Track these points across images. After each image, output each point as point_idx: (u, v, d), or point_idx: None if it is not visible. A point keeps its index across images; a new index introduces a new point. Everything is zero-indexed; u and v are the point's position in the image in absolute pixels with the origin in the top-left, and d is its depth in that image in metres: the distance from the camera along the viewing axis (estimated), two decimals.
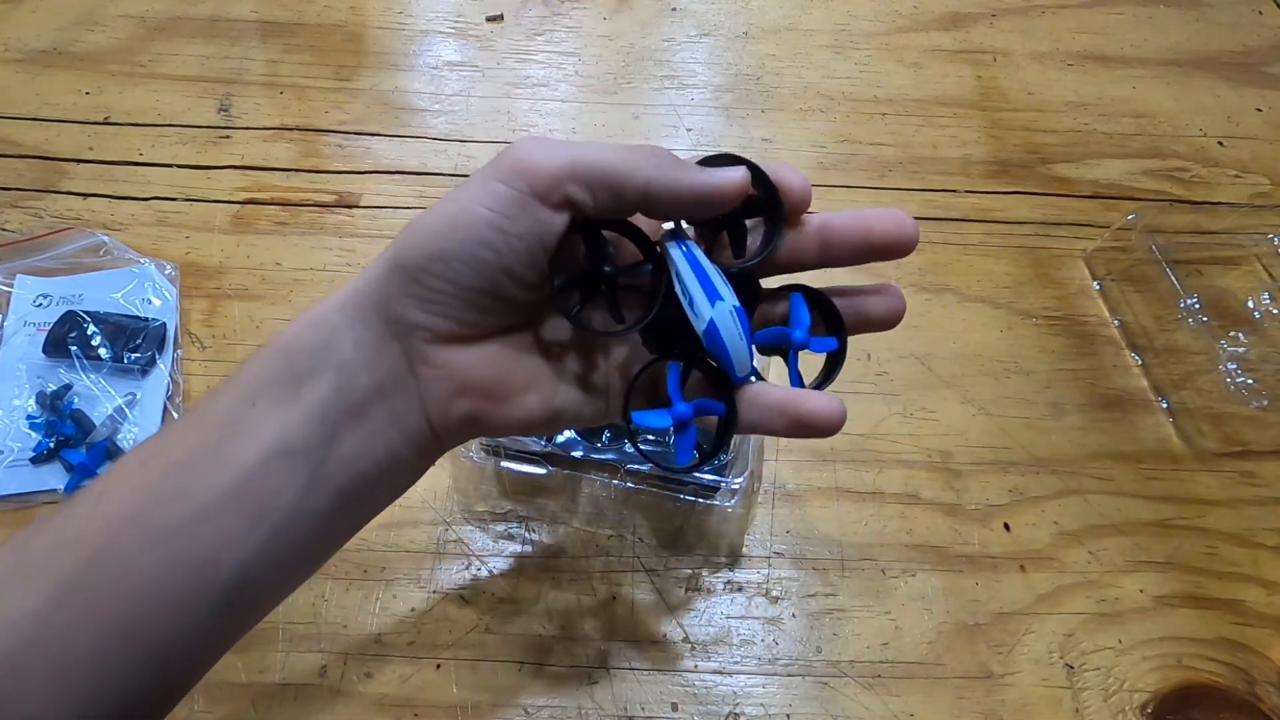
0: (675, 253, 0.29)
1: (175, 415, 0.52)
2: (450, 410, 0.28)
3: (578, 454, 0.46)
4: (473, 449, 0.46)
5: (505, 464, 0.47)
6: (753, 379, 0.29)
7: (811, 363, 0.31)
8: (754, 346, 0.29)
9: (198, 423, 0.27)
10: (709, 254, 0.29)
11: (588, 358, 0.31)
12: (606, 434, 0.47)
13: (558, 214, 0.26)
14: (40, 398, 0.51)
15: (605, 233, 0.29)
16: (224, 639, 0.28)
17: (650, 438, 0.47)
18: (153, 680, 0.26)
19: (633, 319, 0.29)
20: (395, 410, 0.28)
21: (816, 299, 0.31)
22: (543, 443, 0.46)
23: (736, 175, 0.29)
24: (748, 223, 0.30)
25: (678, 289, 0.28)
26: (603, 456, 0.45)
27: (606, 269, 0.28)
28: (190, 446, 0.26)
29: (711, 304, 0.28)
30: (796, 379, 0.30)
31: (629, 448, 0.46)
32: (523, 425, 0.30)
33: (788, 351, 0.30)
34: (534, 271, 0.27)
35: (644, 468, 0.45)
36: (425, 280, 0.26)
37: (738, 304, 0.28)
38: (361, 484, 0.28)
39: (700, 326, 0.28)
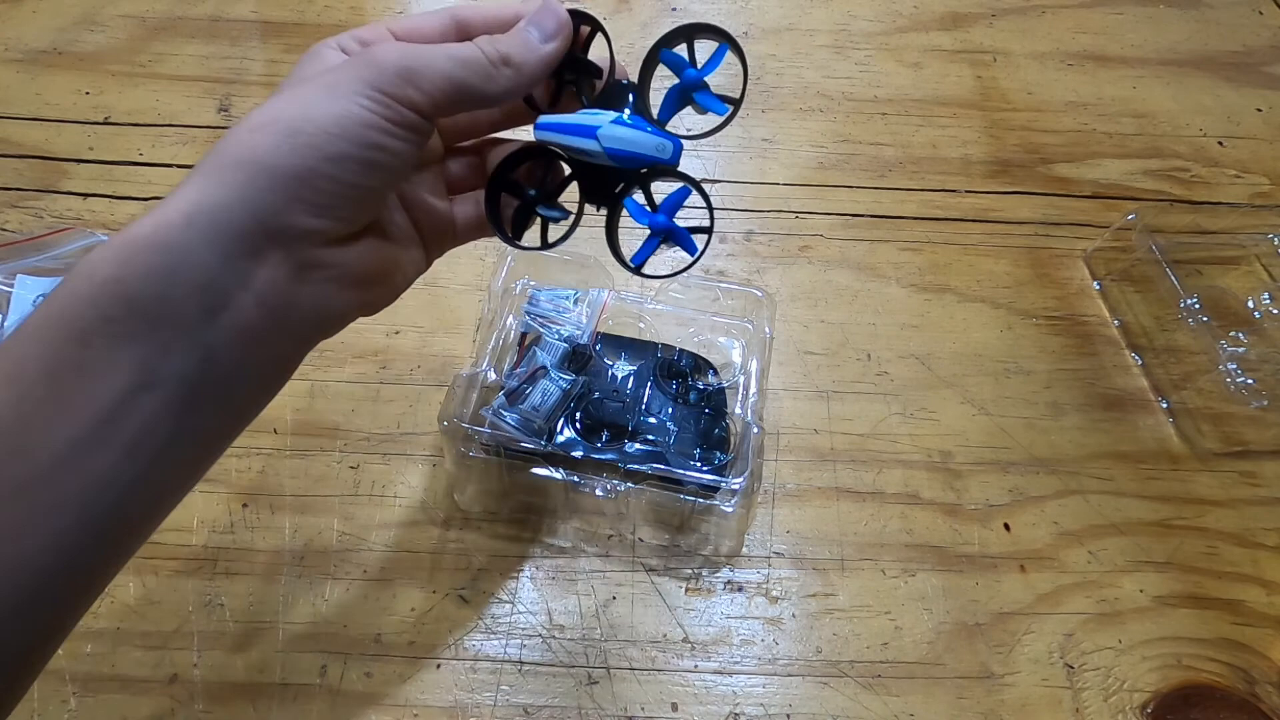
0: (544, 135, 0.32)
1: None
2: (341, 304, 0.29)
3: (577, 454, 0.46)
4: (473, 448, 0.46)
5: (505, 464, 0.47)
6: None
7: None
8: (664, 122, 0.33)
9: (7, 377, 0.23)
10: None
11: (432, 218, 0.34)
12: (605, 434, 0.47)
13: (424, 120, 0.28)
14: None
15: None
16: (108, 567, 0.26)
17: (650, 437, 0.47)
18: (26, 625, 0.24)
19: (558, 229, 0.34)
20: (281, 318, 0.27)
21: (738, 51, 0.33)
22: (542, 443, 0.46)
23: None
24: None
25: (577, 157, 0.32)
26: (602, 456, 0.46)
27: (531, 192, 0.33)
28: (10, 405, 0.23)
29: (593, 135, 0.31)
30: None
31: (629, 448, 0.46)
32: (394, 297, 0.33)
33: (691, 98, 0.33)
34: (411, 167, 0.29)
35: (644, 468, 0.45)
36: (319, 184, 0.26)
37: (618, 114, 0.32)
38: (249, 394, 0.28)
39: (602, 160, 0.32)
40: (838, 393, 0.55)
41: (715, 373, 0.50)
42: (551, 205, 0.34)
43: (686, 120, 0.33)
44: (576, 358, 0.49)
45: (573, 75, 0.33)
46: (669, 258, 0.34)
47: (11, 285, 0.56)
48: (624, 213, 0.34)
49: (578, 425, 0.47)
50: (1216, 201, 0.67)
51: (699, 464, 0.46)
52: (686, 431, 0.47)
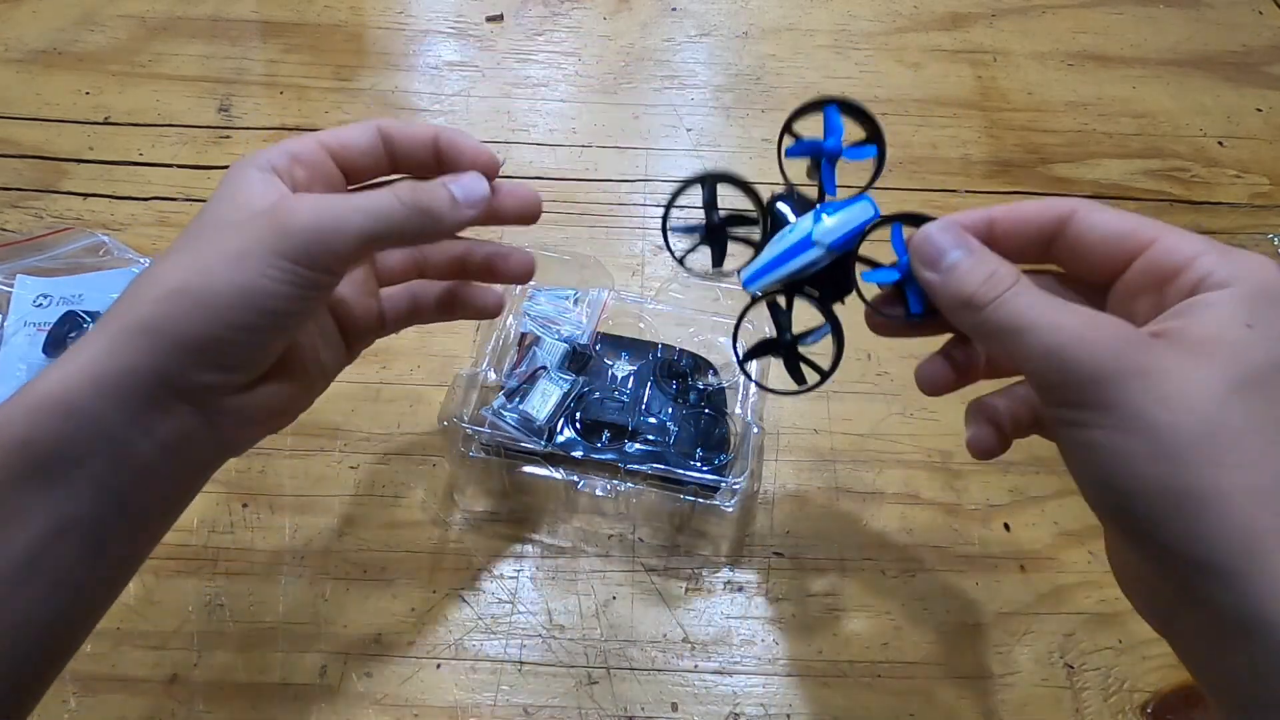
0: (762, 283, 0.33)
1: None
2: (249, 435, 0.31)
3: (577, 454, 0.46)
4: (473, 448, 0.46)
5: (505, 464, 0.47)
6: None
7: None
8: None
9: None
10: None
11: (356, 315, 0.35)
12: (605, 434, 0.47)
13: (326, 275, 0.29)
14: None
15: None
16: (34, 686, 0.28)
17: (650, 437, 0.47)
18: None
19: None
20: (190, 457, 0.29)
21: (850, 109, 0.33)
22: (542, 443, 0.46)
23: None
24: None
25: (802, 277, 0.33)
26: (602, 456, 0.46)
27: (787, 336, 0.33)
28: None
29: (810, 245, 0.32)
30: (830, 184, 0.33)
31: (629, 448, 0.46)
32: (308, 406, 0.34)
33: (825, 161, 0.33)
34: (317, 311, 0.30)
35: (644, 468, 0.45)
36: (224, 348, 0.27)
37: (811, 213, 0.32)
38: (160, 520, 0.30)
39: (827, 259, 0.32)
40: (838, 393, 0.55)
41: (715, 372, 0.50)
42: (806, 335, 0.34)
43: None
44: (576, 358, 0.49)
45: (735, 225, 0.34)
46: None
47: (11, 285, 0.56)
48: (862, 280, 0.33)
49: (578, 425, 0.47)
50: (1216, 201, 0.67)
51: (699, 464, 0.46)
52: (686, 431, 0.47)
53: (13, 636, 0.26)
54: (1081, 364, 0.24)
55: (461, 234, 0.34)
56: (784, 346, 0.33)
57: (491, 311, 0.41)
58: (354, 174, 0.33)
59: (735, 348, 0.35)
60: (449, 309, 0.40)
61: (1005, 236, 0.30)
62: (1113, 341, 0.24)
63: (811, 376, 0.34)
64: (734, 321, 0.35)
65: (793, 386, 0.34)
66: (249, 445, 0.32)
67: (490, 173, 0.33)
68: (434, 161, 0.33)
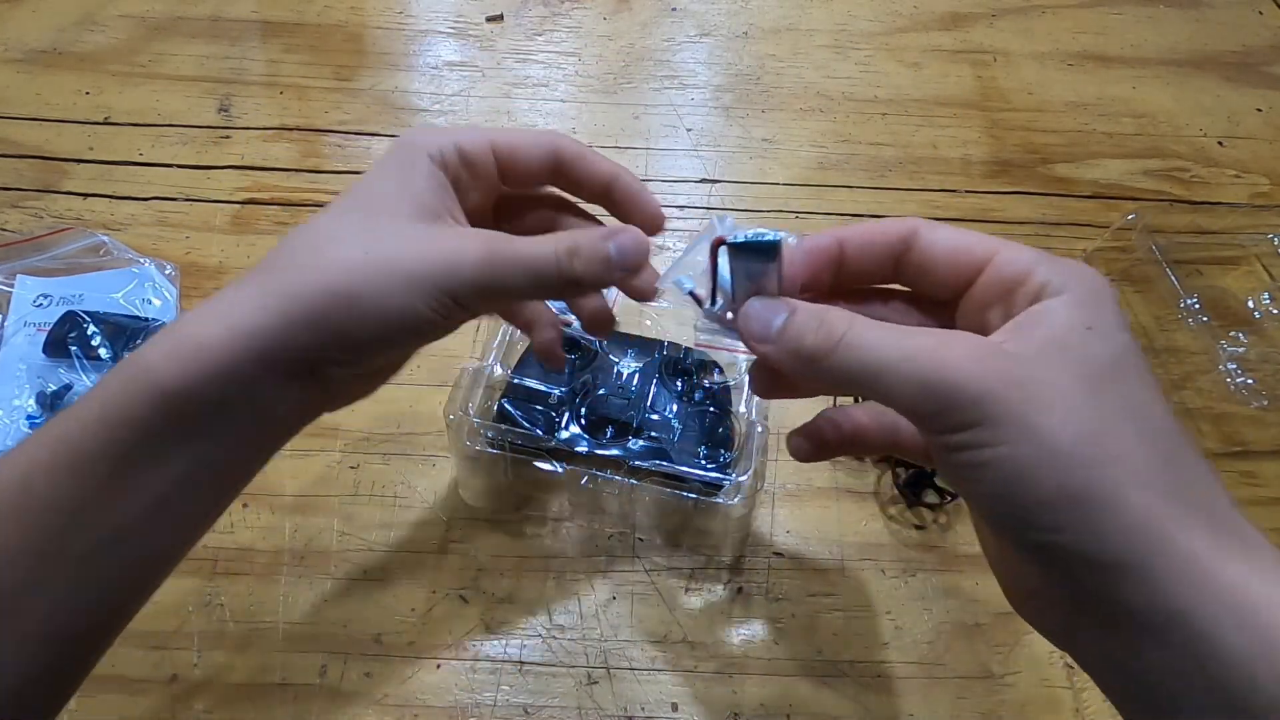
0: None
1: None
2: (340, 405, 0.33)
3: (582, 449, 0.45)
4: (478, 443, 0.46)
5: (509, 459, 0.47)
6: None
7: None
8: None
9: (70, 466, 0.26)
10: None
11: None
12: (610, 430, 0.47)
13: (477, 314, 0.31)
14: (40, 398, 0.51)
15: None
16: (131, 606, 0.30)
17: (654, 434, 0.47)
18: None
19: None
20: (302, 420, 0.31)
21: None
22: (547, 439, 0.46)
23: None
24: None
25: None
26: (607, 453, 0.45)
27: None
28: (73, 489, 0.26)
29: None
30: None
31: (634, 444, 0.46)
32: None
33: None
34: None
35: (648, 464, 0.45)
36: (373, 353, 0.29)
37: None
38: (259, 466, 0.32)
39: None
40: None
41: (720, 371, 0.50)
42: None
43: None
44: (582, 354, 0.49)
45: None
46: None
47: (11, 285, 0.56)
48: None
49: (582, 421, 0.47)
50: (1216, 201, 0.67)
51: (703, 461, 0.46)
52: (691, 429, 0.47)
53: (137, 572, 0.28)
54: (954, 387, 0.24)
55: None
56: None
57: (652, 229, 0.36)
58: (513, 180, 0.33)
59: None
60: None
61: (854, 258, 0.29)
62: (977, 358, 0.24)
63: None
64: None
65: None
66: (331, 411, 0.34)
67: (655, 230, 0.33)
68: (603, 198, 0.33)
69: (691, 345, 0.51)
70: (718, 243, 0.28)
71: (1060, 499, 0.23)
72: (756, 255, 0.27)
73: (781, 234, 0.27)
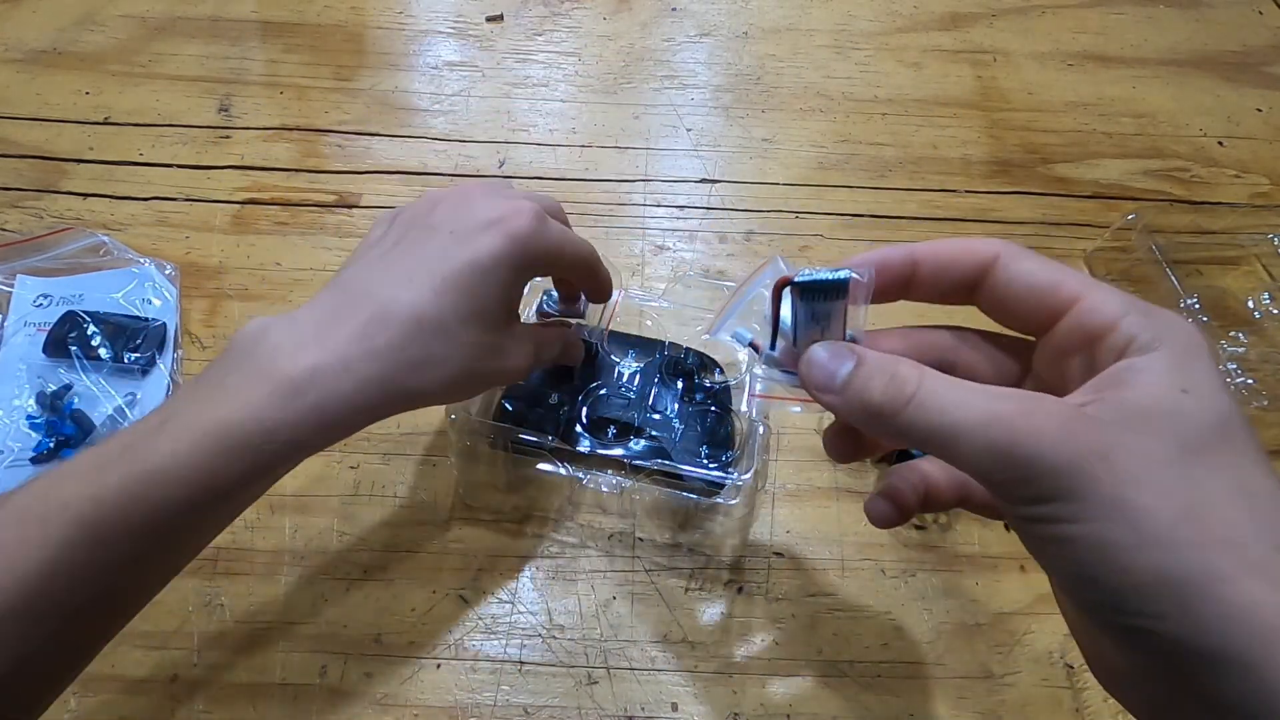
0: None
1: None
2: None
3: (583, 449, 0.45)
4: (479, 443, 0.46)
5: (510, 458, 0.47)
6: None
7: None
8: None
9: (205, 486, 0.31)
10: None
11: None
12: (611, 430, 0.47)
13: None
14: (40, 398, 0.51)
15: None
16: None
17: (655, 434, 0.47)
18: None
19: None
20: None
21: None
22: (548, 438, 0.46)
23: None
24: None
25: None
26: (608, 452, 0.45)
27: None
28: (198, 507, 0.31)
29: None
30: None
31: (635, 444, 0.46)
32: None
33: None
34: None
35: (649, 464, 0.45)
36: (457, 397, 0.40)
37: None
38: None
39: None
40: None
41: (721, 371, 0.50)
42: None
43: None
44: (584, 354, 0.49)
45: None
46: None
47: (11, 285, 0.56)
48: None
49: (584, 421, 0.47)
50: (1216, 201, 0.67)
51: (704, 461, 0.46)
52: (692, 429, 0.47)
53: (195, 547, 0.34)
54: (1034, 456, 0.22)
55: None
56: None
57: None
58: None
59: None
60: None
61: (928, 280, 0.28)
62: (1060, 425, 0.22)
63: None
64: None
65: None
66: None
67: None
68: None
69: (691, 346, 0.51)
70: (782, 283, 0.26)
71: (1156, 583, 0.21)
72: (823, 294, 0.25)
73: (847, 271, 0.25)
